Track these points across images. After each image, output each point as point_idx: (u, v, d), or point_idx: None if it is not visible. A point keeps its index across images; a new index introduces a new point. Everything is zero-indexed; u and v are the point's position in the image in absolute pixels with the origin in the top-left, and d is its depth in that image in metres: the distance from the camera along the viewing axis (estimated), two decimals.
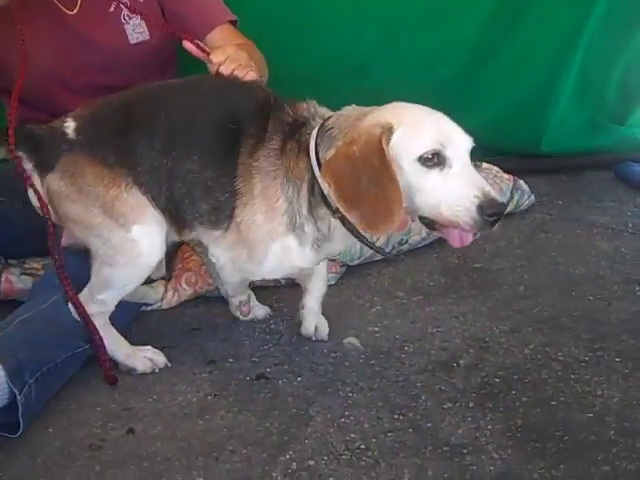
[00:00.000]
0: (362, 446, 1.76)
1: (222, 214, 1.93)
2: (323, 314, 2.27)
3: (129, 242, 1.91)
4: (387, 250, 2.61)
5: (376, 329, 2.28)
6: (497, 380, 2.00)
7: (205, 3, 2.44)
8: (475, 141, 3.51)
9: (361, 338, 2.22)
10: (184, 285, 2.39)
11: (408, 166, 1.70)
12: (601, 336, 2.19)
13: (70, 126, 1.94)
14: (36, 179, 1.95)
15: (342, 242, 1.96)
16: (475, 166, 3.00)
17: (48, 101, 2.39)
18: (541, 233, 2.95)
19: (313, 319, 2.24)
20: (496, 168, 3.06)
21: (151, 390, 2.00)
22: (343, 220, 1.84)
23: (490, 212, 1.65)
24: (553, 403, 1.90)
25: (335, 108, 3.48)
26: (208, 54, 2.11)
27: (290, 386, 2.01)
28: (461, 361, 2.10)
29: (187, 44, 2.15)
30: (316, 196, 1.85)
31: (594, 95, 3.62)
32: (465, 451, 1.74)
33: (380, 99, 3.42)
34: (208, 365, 2.11)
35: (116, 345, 2.05)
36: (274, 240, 1.90)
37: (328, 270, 2.47)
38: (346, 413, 1.89)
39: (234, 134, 1.91)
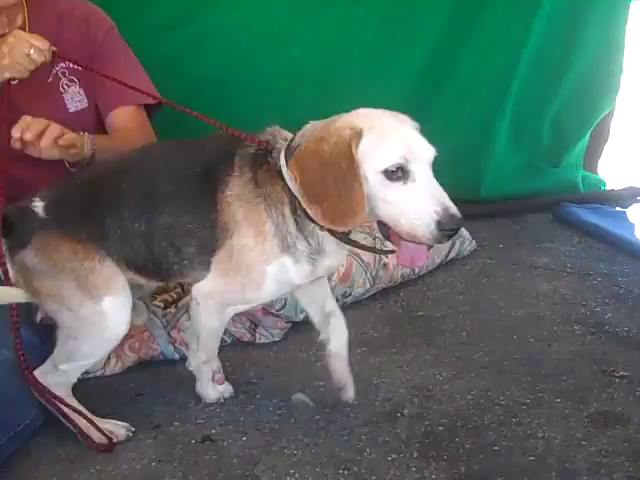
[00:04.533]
0: None
1: (209, 249, 1.96)
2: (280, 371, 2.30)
3: (97, 315, 1.96)
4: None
5: (321, 383, 2.27)
6: (440, 428, 2.02)
7: (124, 79, 2.36)
8: None
9: (307, 393, 2.22)
10: (127, 352, 2.37)
11: (372, 176, 1.74)
12: (542, 378, 2.23)
13: (39, 205, 2.01)
14: (7, 258, 1.99)
15: (335, 254, 1.97)
16: None
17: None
18: (483, 278, 2.99)
19: (343, 371, 2.13)
20: None
21: (94, 460, 1.97)
22: (331, 231, 1.87)
23: (448, 228, 1.69)
24: (495, 448, 1.92)
25: None
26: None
27: (235, 447, 2.00)
28: (405, 411, 2.11)
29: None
30: (300, 214, 1.87)
31: (529, 139, 3.73)
32: None
33: None
34: (153, 430, 2.09)
35: (76, 415, 2.03)
36: (269, 263, 1.92)
37: (274, 326, 2.49)
38: (291, 471, 1.89)
39: (203, 176, 1.96)
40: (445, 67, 3.46)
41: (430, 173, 1.76)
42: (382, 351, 2.45)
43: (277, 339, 2.53)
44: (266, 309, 2.47)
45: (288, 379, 2.32)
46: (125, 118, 2.47)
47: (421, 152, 1.76)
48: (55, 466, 1.96)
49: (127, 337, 2.34)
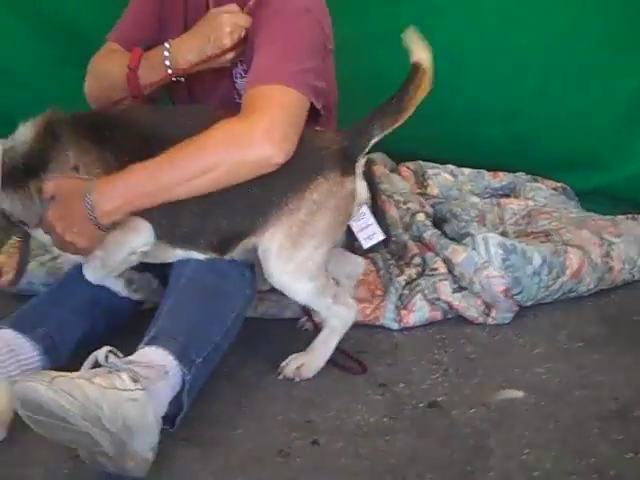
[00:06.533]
0: None
1: None
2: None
3: None
4: (556, 296, 2.64)
5: (541, 371, 2.27)
6: None
7: (260, 62, 2.11)
8: (619, 194, 3.42)
9: (527, 378, 2.22)
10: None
11: None
12: None
13: None
14: None
15: None
16: (633, 219, 2.98)
17: None
18: None
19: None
20: None
21: (328, 406, 2.06)
22: None
23: None
24: None
25: (485, 151, 3.48)
26: None
27: (464, 417, 2.03)
28: (636, 413, 2.07)
29: None
30: None
31: None
32: None
33: (532, 145, 3.43)
34: (380, 388, 2.15)
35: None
36: None
37: (509, 309, 2.52)
38: (525, 451, 1.90)
39: None
40: None
41: None
42: (601, 350, 2.40)
43: (507, 322, 2.52)
44: (507, 292, 2.48)
45: (508, 361, 2.31)
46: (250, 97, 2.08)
47: None
48: (292, 405, 2.05)
49: (361, 300, 2.45)
